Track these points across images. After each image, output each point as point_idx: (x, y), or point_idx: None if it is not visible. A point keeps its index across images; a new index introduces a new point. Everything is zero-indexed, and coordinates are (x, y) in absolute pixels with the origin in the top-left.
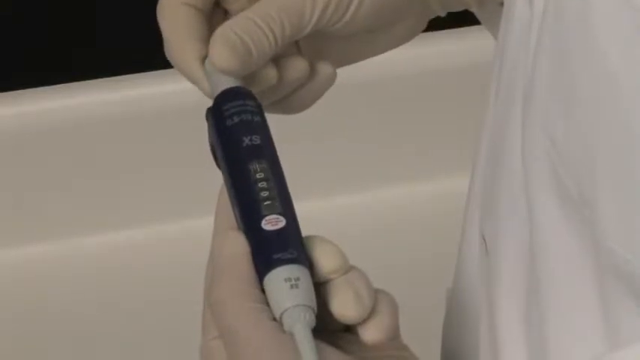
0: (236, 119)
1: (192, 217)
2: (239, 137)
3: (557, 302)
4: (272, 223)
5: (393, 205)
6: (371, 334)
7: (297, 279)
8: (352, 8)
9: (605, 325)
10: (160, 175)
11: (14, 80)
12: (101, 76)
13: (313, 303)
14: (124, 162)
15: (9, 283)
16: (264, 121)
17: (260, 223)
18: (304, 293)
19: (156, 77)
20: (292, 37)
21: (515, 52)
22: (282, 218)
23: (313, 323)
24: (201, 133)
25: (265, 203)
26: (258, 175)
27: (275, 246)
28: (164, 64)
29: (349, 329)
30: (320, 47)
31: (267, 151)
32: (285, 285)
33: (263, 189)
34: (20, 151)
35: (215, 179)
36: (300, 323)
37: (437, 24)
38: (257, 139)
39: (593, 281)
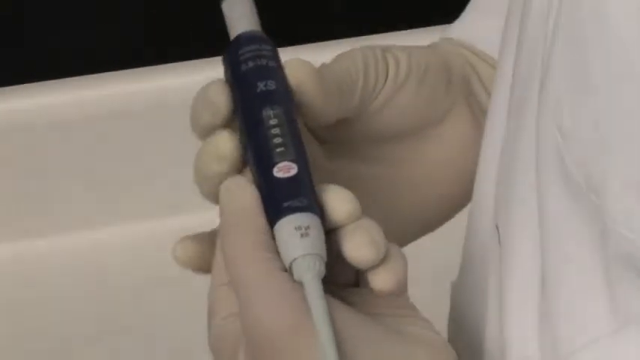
0: (251, 64)
1: (193, 214)
2: (253, 82)
3: (564, 289)
4: (284, 170)
5: None
6: (383, 279)
7: (308, 227)
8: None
9: (611, 311)
10: (159, 174)
11: (14, 80)
12: (101, 71)
13: (323, 252)
14: (123, 160)
15: (9, 281)
16: (280, 66)
17: (272, 170)
18: (315, 241)
19: (158, 72)
20: None
21: (534, 44)
22: (294, 165)
23: (323, 272)
24: None
25: (278, 150)
26: (271, 122)
27: (286, 193)
28: (166, 59)
29: (356, 284)
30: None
31: (282, 97)
32: (296, 233)
33: (276, 135)
34: (19, 147)
35: None
36: (310, 273)
37: (437, 23)
38: (272, 85)
39: (601, 270)
